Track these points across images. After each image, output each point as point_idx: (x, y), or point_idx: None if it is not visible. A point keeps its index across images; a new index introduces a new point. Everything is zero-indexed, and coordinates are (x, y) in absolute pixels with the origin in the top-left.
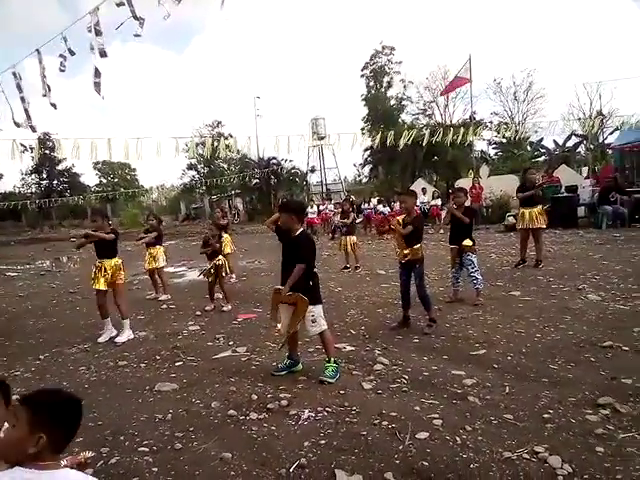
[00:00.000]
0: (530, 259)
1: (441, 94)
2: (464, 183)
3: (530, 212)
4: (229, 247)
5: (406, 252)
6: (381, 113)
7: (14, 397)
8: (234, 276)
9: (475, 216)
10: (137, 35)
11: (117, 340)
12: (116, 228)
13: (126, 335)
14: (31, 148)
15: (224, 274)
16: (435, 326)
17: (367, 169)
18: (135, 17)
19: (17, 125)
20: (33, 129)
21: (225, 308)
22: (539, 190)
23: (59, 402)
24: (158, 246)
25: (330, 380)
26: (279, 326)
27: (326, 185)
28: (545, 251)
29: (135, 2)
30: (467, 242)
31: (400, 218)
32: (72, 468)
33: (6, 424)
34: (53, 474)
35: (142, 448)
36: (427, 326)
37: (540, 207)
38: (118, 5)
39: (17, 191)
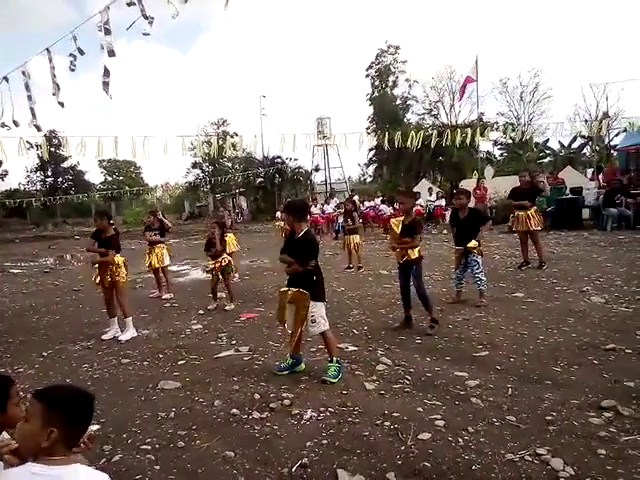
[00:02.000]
0: (533, 260)
1: (459, 101)
2: (468, 184)
3: (524, 214)
4: (232, 246)
5: (403, 253)
6: (386, 113)
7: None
8: (237, 275)
9: (485, 215)
10: (146, 34)
11: (120, 338)
12: (117, 227)
13: (129, 333)
14: (37, 145)
15: (229, 273)
16: (437, 327)
17: (372, 169)
18: (145, 16)
19: (16, 124)
20: (38, 128)
21: (228, 307)
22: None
23: (71, 397)
24: (162, 244)
25: (332, 380)
26: (287, 326)
27: (330, 184)
28: (549, 252)
29: (144, 1)
30: (472, 243)
31: (399, 219)
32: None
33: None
34: (63, 469)
35: (145, 446)
36: (429, 327)
37: (534, 209)
38: (129, 5)
39: (22, 188)
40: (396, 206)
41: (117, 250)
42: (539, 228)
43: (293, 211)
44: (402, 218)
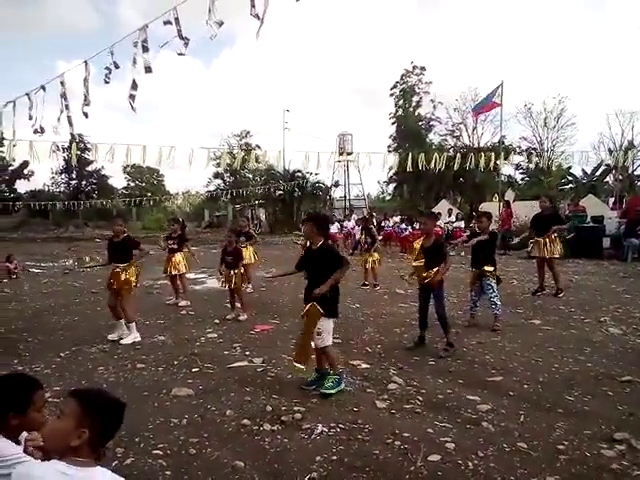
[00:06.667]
0: (550, 287)
1: (473, 116)
2: (489, 206)
3: (544, 240)
4: (248, 258)
5: (425, 275)
6: (409, 132)
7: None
8: (250, 286)
9: (495, 240)
10: (181, 54)
11: (122, 342)
12: (130, 234)
13: (132, 337)
14: (64, 149)
15: (242, 284)
16: (452, 350)
17: (391, 187)
18: (180, 37)
19: (42, 131)
20: (73, 136)
21: (241, 317)
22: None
23: (107, 402)
24: (179, 253)
25: (329, 391)
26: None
27: (349, 200)
28: (567, 281)
29: (181, 21)
30: (488, 267)
31: (419, 241)
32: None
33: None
34: (89, 471)
35: (156, 451)
36: (444, 350)
37: (554, 236)
38: (165, 24)
39: (47, 189)
40: (416, 226)
41: (129, 258)
42: (556, 256)
43: (317, 221)
44: (422, 240)
